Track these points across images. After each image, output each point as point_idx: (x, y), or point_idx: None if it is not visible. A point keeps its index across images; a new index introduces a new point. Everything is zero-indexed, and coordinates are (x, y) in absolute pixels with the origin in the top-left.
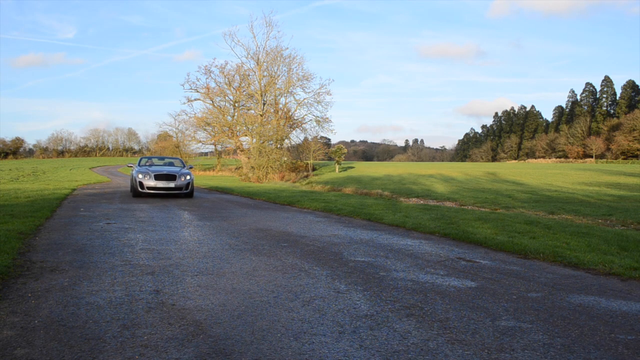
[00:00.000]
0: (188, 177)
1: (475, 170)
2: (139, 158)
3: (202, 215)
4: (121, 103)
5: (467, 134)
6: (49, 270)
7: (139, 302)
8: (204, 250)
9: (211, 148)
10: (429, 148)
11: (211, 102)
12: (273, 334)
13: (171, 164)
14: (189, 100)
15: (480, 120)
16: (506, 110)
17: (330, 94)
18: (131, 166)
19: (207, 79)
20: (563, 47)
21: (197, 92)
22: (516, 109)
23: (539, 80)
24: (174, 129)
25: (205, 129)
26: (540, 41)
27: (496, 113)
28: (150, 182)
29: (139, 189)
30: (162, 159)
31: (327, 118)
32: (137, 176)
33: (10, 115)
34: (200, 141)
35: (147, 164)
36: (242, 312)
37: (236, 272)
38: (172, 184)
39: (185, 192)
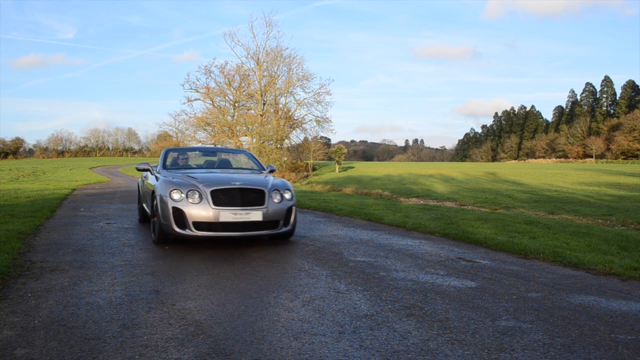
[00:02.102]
0: (288, 195)
1: (475, 170)
2: (162, 152)
3: None
4: (121, 103)
5: (467, 134)
6: (49, 270)
7: (139, 302)
8: (204, 250)
9: None
10: (429, 148)
11: (211, 102)
12: (273, 334)
13: (226, 164)
14: (189, 100)
15: (477, 120)
16: (506, 110)
17: (330, 94)
18: (147, 169)
19: (207, 79)
20: (561, 48)
21: (197, 92)
22: (516, 109)
23: (538, 80)
24: (174, 129)
25: (205, 129)
26: (536, 42)
27: (496, 113)
28: (202, 211)
29: (175, 228)
30: (210, 152)
31: (327, 118)
32: (169, 195)
33: (10, 115)
34: (200, 141)
35: (181, 162)
36: (242, 312)
37: (236, 272)
38: (257, 214)
39: (285, 231)
